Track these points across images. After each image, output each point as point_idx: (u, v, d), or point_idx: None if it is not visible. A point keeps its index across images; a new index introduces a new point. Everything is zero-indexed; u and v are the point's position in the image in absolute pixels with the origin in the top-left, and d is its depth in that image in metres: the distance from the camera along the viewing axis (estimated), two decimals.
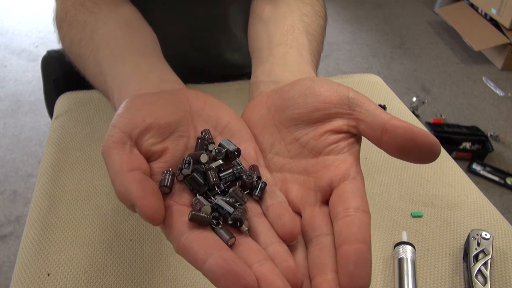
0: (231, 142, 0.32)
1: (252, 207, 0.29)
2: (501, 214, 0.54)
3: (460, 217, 0.53)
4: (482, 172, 1.75)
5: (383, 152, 0.67)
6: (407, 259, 0.45)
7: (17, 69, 2.21)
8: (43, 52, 0.80)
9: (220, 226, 0.27)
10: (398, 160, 0.61)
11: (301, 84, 0.33)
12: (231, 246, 0.26)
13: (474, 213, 0.53)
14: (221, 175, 0.30)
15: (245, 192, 0.29)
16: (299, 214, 0.30)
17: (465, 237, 0.50)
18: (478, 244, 0.47)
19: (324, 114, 0.31)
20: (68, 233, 0.48)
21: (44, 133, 1.82)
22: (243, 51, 0.79)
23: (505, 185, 1.71)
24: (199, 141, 0.31)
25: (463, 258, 0.47)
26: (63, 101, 0.68)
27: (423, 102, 2.10)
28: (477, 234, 0.47)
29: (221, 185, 0.29)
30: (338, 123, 0.30)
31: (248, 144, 0.33)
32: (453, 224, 0.52)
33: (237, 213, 0.27)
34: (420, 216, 0.52)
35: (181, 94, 0.35)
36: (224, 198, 0.28)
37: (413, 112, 1.82)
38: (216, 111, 0.34)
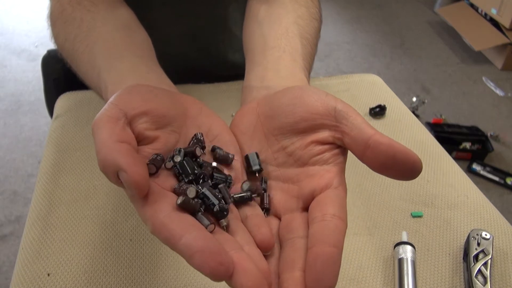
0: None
1: (233, 210, 0.30)
2: (501, 214, 0.54)
3: (460, 217, 0.53)
4: (482, 172, 1.75)
5: None
6: (407, 259, 0.45)
7: (17, 69, 2.21)
8: (43, 52, 0.80)
9: (201, 213, 0.27)
10: None
11: (291, 93, 0.33)
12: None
13: (474, 213, 0.53)
14: (214, 175, 0.31)
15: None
16: (279, 218, 0.31)
17: (465, 237, 0.50)
18: (478, 244, 0.47)
19: (311, 125, 0.31)
20: (68, 233, 0.48)
21: (44, 133, 1.82)
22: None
23: (505, 185, 1.71)
24: (194, 139, 0.32)
25: (463, 258, 0.47)
26: (63, 101, 0.68)
27: (423, 102, 2.10)
28: (477, 234, 0.47)
29: (209, 178, 0.30)
30: (324, 135, 0.31)
31: (235, 159, 0.33)
32: (453, 224, 0.52)
33: (223, 204, 0.28)
34: (420, 216, 0.52)
35: (179, 96, 0.35)
36: (211, 189, 0.29)
37: (413, 112, 1.82)
38: (209, 120, 0.35)
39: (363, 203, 0.54)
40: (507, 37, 2.34)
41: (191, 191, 0.27)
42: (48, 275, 0.44)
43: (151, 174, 0.28)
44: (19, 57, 2.31)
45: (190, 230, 0.24)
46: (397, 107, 0.71)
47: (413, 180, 0.58)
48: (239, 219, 0.30)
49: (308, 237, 0.27)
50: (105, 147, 0.25)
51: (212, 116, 0.36)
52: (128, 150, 0.25)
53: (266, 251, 0.27)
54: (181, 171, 0.29)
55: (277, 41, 0.44)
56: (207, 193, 0.28)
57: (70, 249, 0.46)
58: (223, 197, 0.29)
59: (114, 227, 0.49)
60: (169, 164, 0.29)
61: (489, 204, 0.55)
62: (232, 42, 0.77)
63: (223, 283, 0.44)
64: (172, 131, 0.32)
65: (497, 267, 0.47)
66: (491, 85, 2.33)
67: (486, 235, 0.47)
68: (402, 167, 0.27)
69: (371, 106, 0.70)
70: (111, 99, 0.29)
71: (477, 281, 0.43)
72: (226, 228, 0.28)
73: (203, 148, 0.32)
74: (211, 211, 0.28)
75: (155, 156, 0.29)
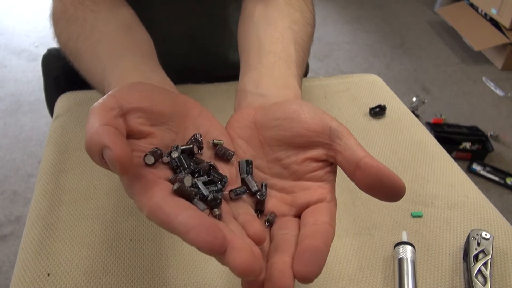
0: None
1: (225, 207, 0.30)
2: (501, 214, 0.54)
3: (460, 217, 0.53)
4: (482, 172, 1.75)
5: (383, 152, 0.67)
6: (407, 259, 0.45)
7: (17, 69, 2.21)
8: (43, 52, 0.80)
9: (196, 199, 0.28)
10: (398, 160, 0.61)
11: (288, 107, 0.34)
12: None
13: (474, 213, 0.53)
14: (211, 173, 0.32)
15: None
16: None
17: (465, 237, 0.50)
18: (478, 244, 0.47)
19: (306, 142, 0.32)
20: (68, 233, 0.48)
21: (44, 133, 1.82)
22: None
23: (505, 185, 1.71)
24: (193, 139, 0.33)
25: (463, 258, 0.47)
26: (63, 101, 0.68)
27: (423, 102, 2.10)
28: (477, 234, 0.47)
29: (205, 174, 0.31)
30: (318, 152, 0.32)
31: (231, 163, 0.34)
32: (453, 224, 0.52)
33: (216, 194, 0.29)
34: (420, 216, 0.52)
35: (180, 97, 0.36)
36: (205, 183, 0.30)
37: (413, 112, 1.82)
38: (208, 122, 0.36)
39: (363, 203, 0.54)
40: (507, 37, 2.34)
41: (188, 180, 0.28)
42: (48, 275, 0.44)
43: (149, 165, 0.29)
44: (19, 57, 2.31)
45: (186, 210, 0.25)
46: (397, 107, 0.71)
47: (413, 180, 0.58)
48: (231, 214, 0.30)
49: (299, 236, 0.28)
50: (93, 128, 0.26)
51: (212, 119, 0.36)
52: (115, 132, 0.26)
53: (258, 244, 0.28)
54: (178, 164, 0.30)
55: (273, 46, 0.45)
56: (200, 184, 0.29)
57: (70, 249, 0.46)
58: (216, 191, 0.30)
59: (114, 227, 0.49)
60: (166, 159, 0.30)
61: (489, 204, 0.55)
62: (232, 42, 0.77)
63: (224, 283, 0.44)
64: (169, 129, 0.32)
65: (497, 267, 0.47)
66: (491, 85, 2.33)
67: (486, 235, 0.47)
68: (388, 190, 0.29)
69: (371, 106, 0.70)
70: (110, 92, 0.30)
71: (477, 281, 0.43)
72: (219, 217, 0.29)
73: (200, 148, 0.33)
74: (204, 201, 0.29)
75: (155, 149, 0.30)
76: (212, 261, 0.46)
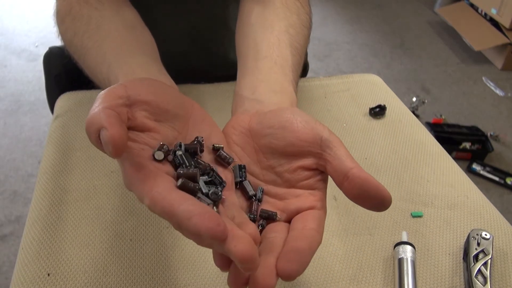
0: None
1: (220, 208, 0.31)
2: (501, 214, 0.54)
3: (460, 217, 0.53)
4: (482, 172, 1.75)
5: (383, 152, 0.67)
6: (407, 259, 0.45)
7: (17, 69, 2.21)
8: (43, 52, 0.80)
9: (200, 194, 0.29)
10: (398, 160, 0.61)
11: (282, 116, 0.35)
12: None
13: (474, 213, 0.53)
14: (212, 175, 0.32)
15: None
16: None
17: (465, 237, 0.50)
18: (478, 244, 0.47)
19: (298, 151, 0.33)
20: (68, 233, 0.48)
21: (44, 133, 1.82)
22: None
23: (505, 185, 1.71)
24: (195, 141, 0.33)
25: (463, 258, 0.47)
26: (63, 101, 0.68)
27: (423, 102, 2.10)
28: (477, 234, 0.47)
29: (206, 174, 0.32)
30: (309, 161, 0.33)
31: (227, 170, 0.35)
32: (453, 224, 0.52)
33: (216, 189, 0.30)
34: (420, 216, 0.52)
35: (188, 101, 0.37)
36: (206, 180, 0.31)
37: (413, 112, 1.82)
38: (210, 128, 0.36)
39: None
40: (507, 37, 2.34)
41: (193, 172, 0.29)
42: (48, 275, 0.44)
43: (158, 161, 0.30)
44: (19, 57, 2.31)
45: (190, 200, 0.25)
46: (397, 107, 0.71)
47: (413, 180, 0.58)
48: (227, 215, 0.31)
49: (286, 239, 0.30)
50: (95, 109, 0.27)
51: (213, 126, 0.37)
52: (115, 115, 0.27)
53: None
54: (181, 162, 0.31)
55: (269, 51, 0.46)
56: (201, 183, 0.30)
57: (70, 249, 0.46)
58: (214, 192, 0.31)
59: (114, 227, 0.49)
60: (170, 157, 0.31)
61: (489, 204, 0.55)
62: (232, 42, 0.76)
63: (224, 283, 0.44)
64: (172, 127, 0.33)
65: (497, 267, 0.47)
66: (491, 85, 2.33)
67: (486, 235, 0.47)
68: (374, 201, 0.30)
69: (371, 106, 0.70)
70: (121, 82, 0.31)
71: (477, 281, 0.44)
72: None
73: (201, 150, 0.34)
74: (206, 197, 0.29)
75: (163, 145, 0.30)
76: (212, 262, 0.46)
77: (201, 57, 0.77)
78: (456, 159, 1.76)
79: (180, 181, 0.28)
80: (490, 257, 0.45)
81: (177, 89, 0.40)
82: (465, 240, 0.49)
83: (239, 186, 0.34)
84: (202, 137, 0.34)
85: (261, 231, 0.32)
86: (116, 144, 0.25)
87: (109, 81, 0.41)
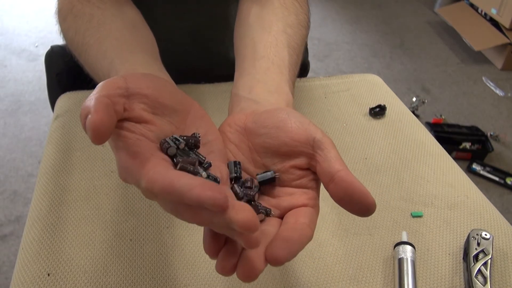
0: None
1: None
2: (501, 214, 0.54)
3: (460, 217, 0.53)
4: (482, 172, 1.75)
5: (383, 152, 0.67)
6: (407, 259, 0.45)
7: (17, 69, 2.21)
8: (43, 52, 0.80)
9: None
10: (398, 160, 0.61)
11: (277, 116, 0.36)
12: None
13: (474, 213, 0.53)
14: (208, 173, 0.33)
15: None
16: None
17: (465, 237, 0.50)
18: (478, 244, 0.47)
19: (291, 150, 0.34)
20: (68, 233, 0.48)
21: (44, 133, 1.82)
22: None
23: (505, 185, 1.71)
24: (191, 136, 0.34)
25: (463, 258, 0.47)
26: (64, 101, 0.68)
27: (423, 102, 2.10)
28: (477, 234, 0.47)
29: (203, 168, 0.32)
30: (301, 161, 0.34)
31: (222, 167, 0.35)
32: (453, 224, 0.52)
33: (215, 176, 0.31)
34: (420, 216, 0.52)
35: (188, 99, 0.37)
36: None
37: (413, 112, 1.82)
38: (207, 126, 0.37)
39: None
40: (507, 37, 2.34)
41: (192, 159, 0.30)
42: (48, 275, 0.44)
43: (171, 156, 0.30)
44: (19, 57, 2.31)
45: (188, 175, 0.25)
46: (397, 107, 0.71)
47: (413, 180, 0.58)
48: None
49: (278, 231, 0.30)
50: (90, 97, 0.28)
51: (211, 125, 0.37)
52: (105, 103, 0.27)
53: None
54: (181, 154, 0.31)
55: (267, 50, 0.46)
56: (200, 169, 0.30)
57: (70, 249, 0.46)
58: (213, 177, 0.32)
59: (114, 227, 0.49)
60: (172, 150, 0.31)
61: (489, 204, 0.55)
62: (233, 41, 0.77)
63: (224, 283, 0.44)
64: (169, 122, 0.33)
65: (497, 267, 0.47)
66: (491, 85, 2.33)
67: (486, 235, 0.47)
68: (357, 205, 0.30)
69: (371, 106, 0.70)
70: (122, 74, 0.31)
71: (477, 281, 0.44)
72: None
73: (197, 147, 0.34)
74: None
75: (173, 138, 0.31)
76: (212, 262, 0.46)
77: (202, 56, 0.77)
78: (456, 159, 1.76)
79: (179, 165, 0.28)
80: (490, 257, 0.45)
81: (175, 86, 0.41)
82: (465, 240, 0.49)
83: (234, 181, 0.35)
84: (199, 134, 0.34)
85: None
86: (95, 129, 0.26)
87: (109, 77, 0.41)
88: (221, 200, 0.23)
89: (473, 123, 1.99)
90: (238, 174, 0.34)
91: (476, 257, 0.46)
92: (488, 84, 2.34)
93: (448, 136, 1.85)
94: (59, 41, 0.55)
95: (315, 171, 0.33)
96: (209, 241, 0.29)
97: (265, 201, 0.34)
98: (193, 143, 0.33)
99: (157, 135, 0.31)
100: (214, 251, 0.29)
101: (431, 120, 2.00)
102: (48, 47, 0.79)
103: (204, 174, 0.30)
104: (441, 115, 2.04)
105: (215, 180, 0.32)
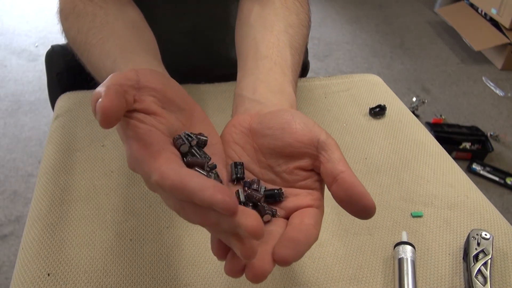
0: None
1: None
2: (501, 214, 0.54)
3: (460, 217, 0.53)
4: (482, 172, 1.75)
5: (383, 152, 0.67)
6: (407, 259, 0.45)
7: (17, 69, 2.21)
8: (43, 52, 0.80)
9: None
10: (398, 160, 0.61)
11: (282, 117, 0.36)
12: None
13: (474, 213, 0.53)
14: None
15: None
16: None
17: (465, 237, 0.50)
18: (478, 244, 0.47)
19: (296, 151, 0.34)
20: (68, 233, 0.48)
21: (44, 133, 1.82)
22: None
23: (505, 185, 1.71)
24: (200, 134, 0.34)
25: (463, 258, 0.47)
26: (63, 101, 0.68)
27: (423, 102, 2.10)
28: (477, 234, 0.47)
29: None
30: (306, 162, 0.34)
31: (222, 171, 0.35)
32: (453, 224, 0.52)
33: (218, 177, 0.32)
34: (420, 216, 0.52)
35: (191, 99, 0.37)
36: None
37: (413, 112, 1.82)
38: (209, 129, 0.37)
39: None
40: (507, 37, 2.34)
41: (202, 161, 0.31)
42: (48, 275, 0.44)
43: (183, 153, 0.31)
44: (19, 57, 2.31)
45: (200, 176, 0.26)
46: (397, 107, 0.71)
47: (413, 180, 0.58)
48: None
49: (284, 232, 0.31)
50: (103, 84, 0.28)
51: (212, 129, 0.38)
52: (116, 89, 0.28)
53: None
54: (192, 153, 0.32)
55: (269, 51, 0.46)
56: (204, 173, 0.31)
57: (70, 249, 0.46)
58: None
59: (114, 227, 0.49)
60: (185, 148, 0.32)
61: (489, 204, 0.55)
62: (233, 40, 0.77)
63: (224, 283, 0.44)
64: (176, 118, 0.34)
65: (497, 267, 0.47)
66: (491, 85, 2.33)
67: (486, 235, 0.47)
68: (357, 208, 0.30)
69: (371, 106, 0.70)
70: (133, 68, 0.32)
71: (477, 281, 0.44)
72: None
73: (205, 145, 0.35)
74: None
75: (185, 134, 0.32)
76: (212, 262, 0.46)
77: (202, 56, 0.77)
78: (456, 159, 1.76)
79: (189, 163, 0.29)
80: (490, 257, 0.45)
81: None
82: (465, 240, 0.49)
83: (236, 181, 0.35)
84: (206, 136, 0.34)
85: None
86: (104, 112, 0.26)
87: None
88: (232, 204, 0.23)
89: (473, 123, 1.99)
90: (239, 175, 0.34)
91: (476, 257, 0.46)
92: (488, 84, 2.34)
93: (448, 136, 1.85)
94: (59, 41, 0.55)
95: (319, 172, 0.34)
96: (217, 243, 0.29)
97: (271, 202, 0.34)
98: (203, 142, 0.33)
99: (167, 128, 0.32)
100: (222, 252, 0.29)
101: (431, 120, 2.00)
102: (48, 47, 0.79)
103: (212, 176, 0.30)
104: (441, 115, 2.04)
105: (220, 183, 0.32)
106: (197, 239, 0.48)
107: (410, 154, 0.62)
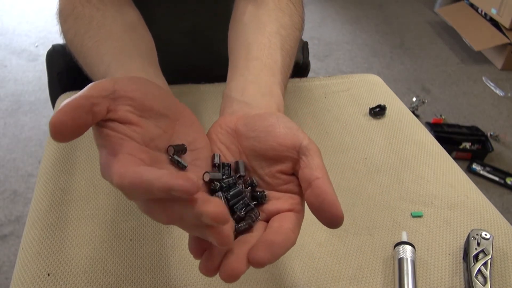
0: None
1: None
2: (501, 214, 0.54)
3: (460, 217, 0.53)
4: (482, 172, 1.75)
5: (383, 152, 0.67)
6: (407, 259, 0.45)
7: (17, 69, 2.21)
8: (43, 52, 0.81)
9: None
10: (398, 160, 0.61)
11: (267, 120, 0.36)
12: None
13: (474, 213, 0.53)
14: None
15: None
16: None
17: (465, 237, 0.50)
18: (478, 244, 0.47)
19: (278, 155, 0.35)
20: (68, 233, 0.48)
21: (44, 133, 1.82)
22: None
23: (505, 185, 1.71)
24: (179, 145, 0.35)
25: (463, 258, 0.47)
26: (63, 101, 0.68)
27: (423, 102, 2.10)
28: (477, 234, 0.47)
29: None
30: (287, 166, 0.35)
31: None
32: (453, 224, 0.52)
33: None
34: (420, 216, 0.53)
35: (179, 104, 0.37)
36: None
37: (413, 112, 1.82)
38: (196, 134, 0.37)
39: (363, 203, 0.54)
40: (507, 37, 2.34)
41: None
42: (48, 275, 0.44)
43: (179, 154, 0.32)
44: (19, 57, 2.31)
45: (158, 169, 0.25)
46: (397, 107, 0.71)
47: (413, 180, 0.58)
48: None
49: (262, 235, 0.31)
50: (72, 97, 0.29)
51: (200, 133, 0.38)
52: (78, 104, 0.28)
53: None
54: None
55: (260, 52, 0.47)
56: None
57: (70, 249, 0.46)
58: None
59: (114, 227, 0.49)
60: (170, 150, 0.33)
61: (489, 204, 0.55)
62: None
63: (224, 283, 0.44)
64: (156, 125, 0.33)
65: (497, 267, 0.47)
66: (491, 85, 2.33)
67: (486, 235, 0.47)
68: (325, 215, 0.30)
69: (371, 106, 0.70)
70: (112, 77, 0.32)
71: (477, 281, 0.44)
72: None
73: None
74: None
75: (181, 145, 0.33)
76: None
77: (202, 56, 0.77)
78: (456, 159, 1.76)
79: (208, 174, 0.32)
80: (490, 257, 0.45)
81: (170, 92, 0.41)
82: (465, 240, 0.49)
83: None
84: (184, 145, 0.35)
85: (245, 231, 0.33)
86: (52, 127, 0.26)
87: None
88: (189, 186, 0.23)
89: (473, 123, 1.99)
90: (231, 176, 0.35)
91: (476, 257, 0.46)
92: (488, 84, 2.34)
93: (448, 136, 1.85)
94: (59, 41, 0.55)
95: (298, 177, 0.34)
96: (194, 242, 0.29)
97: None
98: (181, 150, 0.34)
99: (142, 136, 0.31)
100: (198, 251, 0.29)
101: (431, 120, 2.00)
102: (48, 47, 0.80)
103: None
104: (441, 115, 2.04)
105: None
106: None
107: (410, 154, 0.62)
